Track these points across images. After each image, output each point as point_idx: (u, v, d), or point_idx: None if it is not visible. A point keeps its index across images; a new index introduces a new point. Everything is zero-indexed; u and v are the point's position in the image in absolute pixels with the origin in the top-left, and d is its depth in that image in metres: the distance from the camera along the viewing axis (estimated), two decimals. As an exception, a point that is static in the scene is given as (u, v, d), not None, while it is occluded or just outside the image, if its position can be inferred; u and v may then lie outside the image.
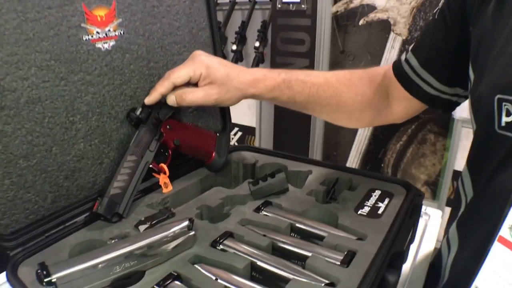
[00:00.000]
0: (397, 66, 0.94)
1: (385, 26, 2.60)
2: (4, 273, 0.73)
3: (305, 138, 2.76)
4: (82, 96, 0.85)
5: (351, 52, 2.73)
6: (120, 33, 0.90)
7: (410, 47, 0.91)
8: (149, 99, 0.89)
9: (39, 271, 0.65)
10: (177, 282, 0.68)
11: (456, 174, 2.43)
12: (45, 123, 0.80)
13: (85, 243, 0.80)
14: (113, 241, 0.77)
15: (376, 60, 2.65)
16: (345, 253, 0.75)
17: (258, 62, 2.66)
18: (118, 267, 0.67)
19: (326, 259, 0.74)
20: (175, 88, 0.89)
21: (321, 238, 0.82)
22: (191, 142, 0.98)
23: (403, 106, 0.97)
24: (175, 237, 0.73)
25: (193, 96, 0.88)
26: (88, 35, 0.85)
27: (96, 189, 0.90)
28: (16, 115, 0.75)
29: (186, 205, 0.91)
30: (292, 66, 2.69)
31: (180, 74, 0.87)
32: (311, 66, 2.63)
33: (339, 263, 0.73)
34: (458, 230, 0.82)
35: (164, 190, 0.94)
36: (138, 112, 0.90)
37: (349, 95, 0.97)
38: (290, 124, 2.81)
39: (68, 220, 0.85)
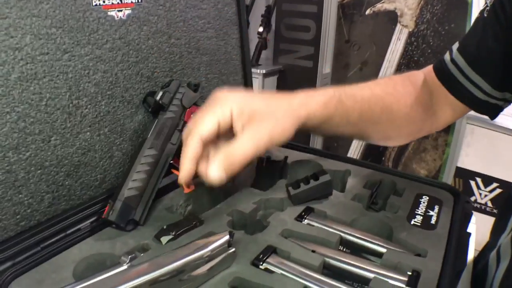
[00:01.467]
0: (441, 68, 0.83)
1: (391, 17, 2.53)
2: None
3: (306, 129, 2.65)
4: (90, 75, 0.70)
5: (356, 42, 2.63)
6: (138, 0, 0.75)
7: (455, 47, 0.81)
8: (183, 175, 0.63)
9: None
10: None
11: (459, 171, 2.36)
12: (43, 107, 0.65)
13: (93, 258, 0.64)
14: (129, 256, 0.61)
15: (382, 51, 2.56)
16: (410, 273, 0.65)
17: (261, 48, 2.53)
18: (145, 296, 0.52)
19: (390, 281, 0.63)
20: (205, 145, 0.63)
21: (376, 253, 0.72)
22: None
23: (447, 112, 0.85)
24: (213, 256, 0.58)
25: (242, 152, 0.60)
26: (98, 0, 0.70)
27: (104, 188, 0.75)
28: (4, 95, 0.60)
29: (214, 210, 0.77)
30: (296, 53, 2.59)
31: (204, 122, 0.61)
32: (316, 54, 2.53)
33: (404, 286, 0.62)
34: None
35: (186, 190, 0.78)
36: (158, 97, 0.75)
37: (398, 106, 0.82)
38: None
39: (70, 227, 0.69)
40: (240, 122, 0.61)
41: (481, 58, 0.76)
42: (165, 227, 0.68)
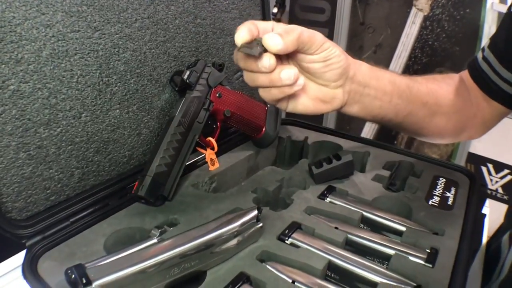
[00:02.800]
0: (473, 66, 0.82)
1: (406, 1, 2.49)
2: (20, 267, 0.59)
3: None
4: (119, 53, 0.71)
5: (371, 25, 2.60)
6: (165, -21, 0.75)
7: (486, 44, 0.80)
8: (240, 34, 0.56)
9: (73, 276, 0.49)
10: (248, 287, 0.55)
11: (471, 157, 2.35)
12: (73, 84, 0.65)
13: (123, 232, 0.66)
14: (159, 230, 0.63)
15: (396, 34, 2.53)
16: (429, 251, 0.66)
17: (275, 29, 2.51)
18: (177, 268, 0.54)
19: (410, 257, 0.65)
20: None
21: (395, 231, 0.73)
22: (242, 114, 0.84)
23: (486, 112, 0.83)
24: (242, 230, 0.59)
25: (298, 28, 0.58)
26: (127, -22, 0.70)
27: (132, 164, 0.76)
28: (36, 72, 0.61)
29: (239, 187, 0.78)
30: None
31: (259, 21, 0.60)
32: (330, 36, 2.51)
33: (423, 262, 0.64)
34: None
35: (211, 168, 0.81)
36: (185, 76, 0.76)
37: (443, 92, 0.80)
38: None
39: (99, 202, 0.71)
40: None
41: (509, 53, 0.76)
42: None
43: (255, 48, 0.55)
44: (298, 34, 0.56)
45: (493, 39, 0.80)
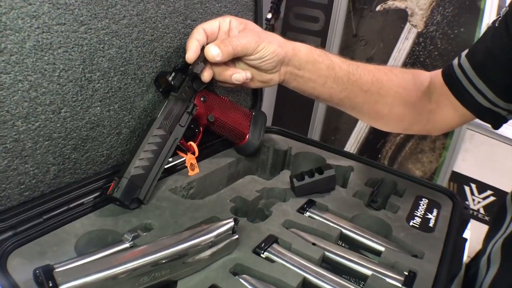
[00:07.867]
0: (448, 72, 0.84)
1: (401, 16, 2.50)
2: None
3: (305, 120, 2.64)
4: (104, 49, 0.69)
5: (364, 37, 2.60)
6: (157, -23, 0.74)
7: (464, 53, 0.82)
8: (190, 54, 0.73)
9: (40, 277, 0.48)
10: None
11: (455, 176, 2.36)
12: (55, 78, 0.63)
13: (95, 233, 0.64)
14: (132, 234, 0.61)
15: (388, 48, 2.54)
16: (406, 273, 0.65)
17: (268, 35, 2.50)
18: (147, 277, 0.52)
19: (387, 279, 0.64)
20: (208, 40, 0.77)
21: (374, 251, 0.73)
22: (226, 120, 0.83)
23: (448, 114, 0.86)
24: (216, 241, 0.58)
25: (237, 39, 0.75)
26: (118, -27, 0.68)
27: (109, 164, 0.74)
28: (18, 63, 0.58)
29: (217, 195, 0.76)
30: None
31: (208, 21, 0.77)
32: (322, 46, 2.49)
33: (400, 285, 0.64)
34: (502, 250, 0.76)
35: (190, 173, 0.80)
36: (170, 77, 0.74)
37: (390, 84, 0.86)
38: (291, 104, 2.69)
39: (74, 201, 0.69)
40: (237, 29, 0.78)
41: (487, 65, 0.77)
42: None
43: (198, 66, 0.74)
44: (233, 48, 0.74)
45: (472, 49, 0.81)
